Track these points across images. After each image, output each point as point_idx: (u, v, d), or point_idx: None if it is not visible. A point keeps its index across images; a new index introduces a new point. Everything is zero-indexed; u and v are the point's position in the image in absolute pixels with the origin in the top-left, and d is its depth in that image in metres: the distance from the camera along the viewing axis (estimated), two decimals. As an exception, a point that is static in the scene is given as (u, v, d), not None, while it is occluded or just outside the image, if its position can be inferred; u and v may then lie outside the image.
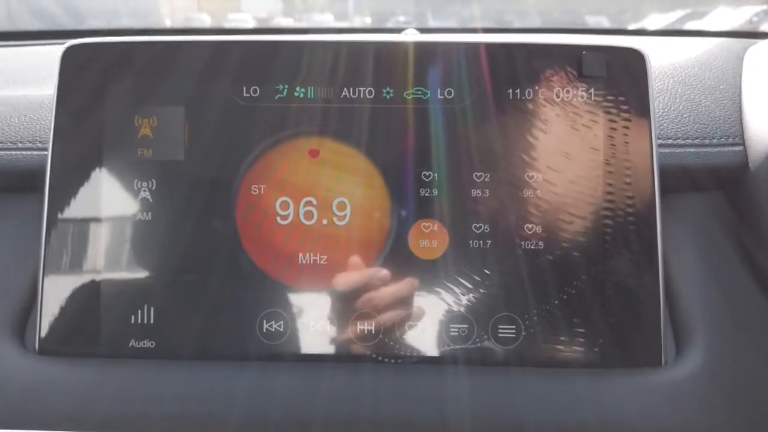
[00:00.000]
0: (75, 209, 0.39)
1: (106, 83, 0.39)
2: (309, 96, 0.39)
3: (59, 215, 0.39)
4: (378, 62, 0.39)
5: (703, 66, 0.49)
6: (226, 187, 0.39)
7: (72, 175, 0.39)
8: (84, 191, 0.39)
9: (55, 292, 0.39)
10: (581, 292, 0.38)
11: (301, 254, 0.39)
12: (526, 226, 0.38)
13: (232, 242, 0.39)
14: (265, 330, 0.38)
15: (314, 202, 0.39)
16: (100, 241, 0.39)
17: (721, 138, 0.43)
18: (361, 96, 0.39)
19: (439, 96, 0.39)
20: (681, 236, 0.41)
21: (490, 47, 0.39)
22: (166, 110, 0.39)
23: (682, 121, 0.44)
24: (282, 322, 0.39)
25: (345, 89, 0.39)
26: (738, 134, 0.43)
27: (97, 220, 0.39)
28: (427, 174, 0.39)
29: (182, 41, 0.40)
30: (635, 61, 0.39)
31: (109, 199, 0.39)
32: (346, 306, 0.39)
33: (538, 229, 0.38)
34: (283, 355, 0.38)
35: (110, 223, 0.39)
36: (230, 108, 0.39)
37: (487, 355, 0.38)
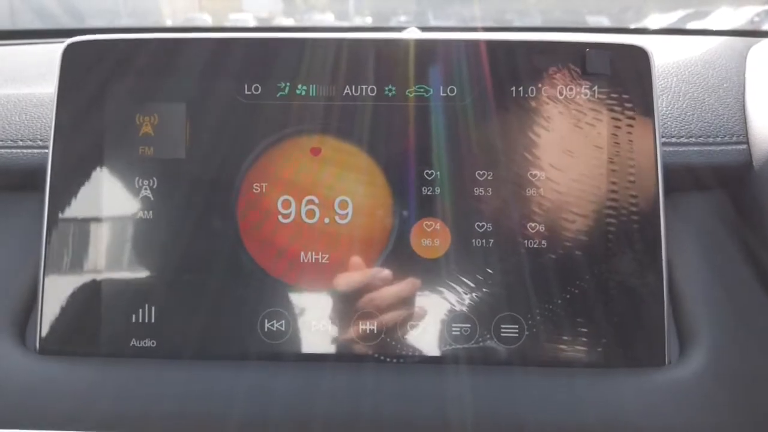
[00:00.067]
0: (76, 208, 0.39)
1: (107, 81, 0.39)
2: (311, 94, 0.39)
3: (60, 214, 0.39)
4: (380, 60, 0.39)
5: (707, 64, 0.49)
6: (227, 186, 0.39)
7: (73, 174, 0.39)
8: (85, 189, 0.39)
9: (56, 291, 0.39)
10: (584, 292, 0.38)
11: (302, 253, 0.39)
12: (528, 224, 0.38)
13: (233, 241, 0.39)
14: (266, 329, 0.38)
15: (316, 201, 0.39)
16: (100, 239, 0.39)
17: (725, 136, 0.43)
18: (363, 94, 0.39)
19: (441, 94, 0.39)
20: (684, 235, 0.41)
21: (493, 45, 0.39)
22: (167, 108, 0.39)
23: (686, 119, 0.43)
24: (283, 321, 0.38)
25: (347, 87, 0.39)
26: (742, 133, 0.43)
27: (97, 218, 0.39)
28: (430, 172, 0.38)
29: (183, 39, 0.40)
30: (639, 58, 0.39)
31: (110, 197, 0.39)
32: (348, 305, 0.38)
33: (541, 228, 0.38)
34: (285, 355, 0.38)
35: (111, 221, 0.39)
36: (232, 106, 0.39)
37: (490, 355, 0.38)
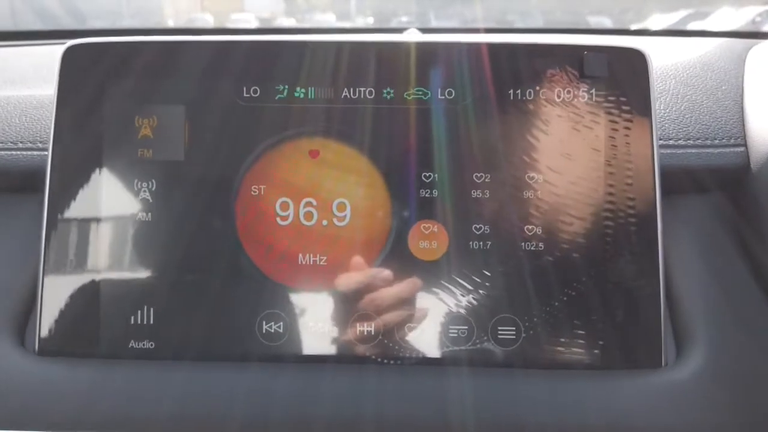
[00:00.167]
0: (75, 209, 0.39)
1: (106, 83, 0.39)
2: (309, 96, 0.39)
3: (59, 215, 0.39)
4: (378, 62, 0.39)
5: (705, 66, 0.49)
6: (226, 188, 0.39)
7: (72, 176, 0.39)
8: (84, 191, 0.39)
9: (55, 293, 0.39)
10: (582, 294, 0.38)
11: (300, 255, 0.39)
12: (526, 227, 0.38)
13: (231, 243, 0.39)
14: (264, 331, 0.38)
15: (314, 203, 0.39)
16: (99, 241, 0.39)
17: (723, 139, 0.43)
18: (362, 96, 0.39)
19: (439, 96, 0.39)
20: (682, 237, 0.41)
21: (491, 47, 0.39)
22: (166, 110, 0.39)
23: (684, 121, 0.43)
24: (282, 323, 0.38)
25: (345, 89, 0.39)
26: (740, 135, 0.43)
27: (97, 220, 0.39)
28: (428, 175, 0.39)
29: (182, 41, 0.40)
30: (637, 61, 0.39)
31: (109, 199, 0.39)
32: (346, 307, 0.39)
33: (539, 230, 0.38)
34: (283, 356, 0.38)
35: (110, 223, 0.39)
36: (230, 108, 0.39)
37: (487, 357, 0.38)
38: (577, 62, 0.39)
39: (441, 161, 0.39)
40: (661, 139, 0.42)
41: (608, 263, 0.38)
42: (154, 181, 0.39)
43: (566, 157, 0.38)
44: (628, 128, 0.38)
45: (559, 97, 0.39)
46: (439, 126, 0.39)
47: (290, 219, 0.39)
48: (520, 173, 0.38)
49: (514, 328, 0.38)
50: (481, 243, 0.38)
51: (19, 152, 0.44)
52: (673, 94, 0.45)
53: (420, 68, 0.39)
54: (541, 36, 0.41)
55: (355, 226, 0.39)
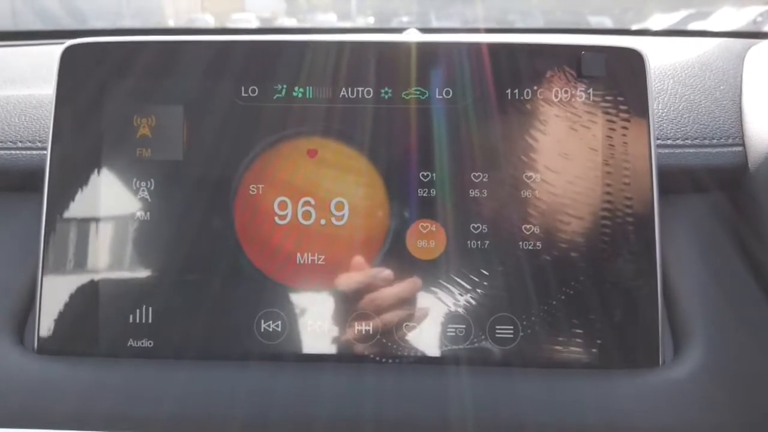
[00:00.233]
0: (74, 208, 0.39)
1: (104, 83, 0.39)
2: (307, 96, 0.39)
3: (58, 214, 0.39)
4: (376, 62, 0.39)
5: (704, 66, 0.49)
6: (224, 187, 0.39)
7: (71, 175, 0.39)
8: (83, 191, 0.39)
9: (54, 292, 0.39)
10: (579, 293, 0.38)
11: (299, 254, 0.39)
12: (524, 226, 0.38)
13: (230, 242, 0.39)
14: (262, 330, 0.38)
15: (312, 202, 0.39)
16: (98, 240, 0.39)
17: (721, 138, 0.43)
18: (360, 96, 0.39)
19: (437, 96, 0.39)
20: (680, 236, 0.41)
21: (489, 47, 0.39)
22: (164, 110, 0.39)
23: (682, 121, 0.44)
24: (280, 322, 0.39)
25: (343, 89, 0.39)
26: (738, 135, 0.43)
27: (95, 219, 0.39)
28: (426, 174, 0.39)
29: (181, 41, 0.40)
30: (634, 61, 0.39)
31: (107, 198, 0.39)
32: (344, 306, 0.39)
33: (537, 230, 0.38)
34: (281, 355, 0.38)
35: (109, 222, 0.39)
36: (229, 108, 0.39)
37: (485, 356, 0.38)
38: (574, 62, 0.39)
39: (439, 161, 0.39)
40: (659, 139, 0.42)
41: (606, 262, 0.38)
42: (152, 180, 0.39)
43: (564, 156, 0.38)
44: (625, 128, 0.38)
45: (557, 96, 0.39)
46: (437, 126, 0.39)
47: (288, 218, 0.39)
48: (518, 173, 0.39)
49: (511, 327, 0.38)
50: (479, 242, 0.38)
51: (18, 151, 0.44)
52: (672, 94, 0.45)
53: (418, 68, 0.39)
54: (539, 36, 0.41)
55: (353, 225, 0.39)
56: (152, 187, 0.39)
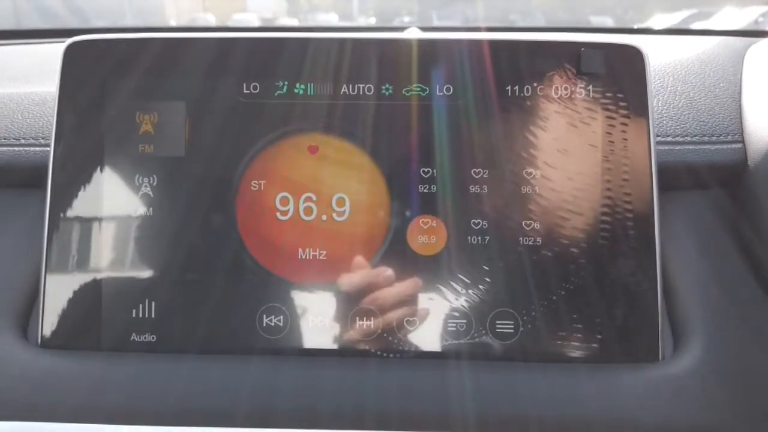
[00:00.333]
0: (77, 204, 0.39)
1: (107, 79, 0.40)
2: (309, 93, 0.39)
3: (61, 210, 0.39)
4: (377, 59, 0.39)
5: (704, 64, 0.49)
6: (226, 183, 0.39)
7: (74, 171, 0.40)
8: (86, 187, 0.40)
9: (57, 286, 0.39)
10: (579, 288, 0.38)
11: (300, 249, 0.39)
12: (524, 222, 0.39)
13: (232, 237, 0.39)
14: (265, 324, 0.39)
15: (314, 198, 0.39)
16: (101, 236, 0.39)
17: (721, 135, 0.43)
18: (361, 93, 0.39)
19: (438, 93, 0.39)
20: (681, 232, 0.42)
21: (489, 44, 0.39)
22: (167, 106, 0.40)
23: (682, 118, 0.44)
24: (282, 316, 0.39)
25: (344, 86, 0.39)
26: (738, 132, 0.43)
27: (98, 215, 0.39)
28: (426, 170, 0.39)
29: (183, 38, 0.40)
30: (633, 57, 0.39)
31: (110, 194, 0.40)
32: (345, 301, 0.39)
33: (537, 226, 0.38)
34: (283, 350, 0.39)
35: (111, 218, 0.40)
36: (230, 104, 0.39)
37: (486, 351, 0.38)
38: (574, 59, 0.39)
39: (440, 157, 0.39)
40: (659, 136, 0.43)
41: (606, 258, 0.38)
42: (155, 176, 0.39)
43: (564, 153, 0.39)
44: (625, 124, 0.39)
45: (556, 93, 0.39)
46: (437, 122, 0.39)
47: (290, 214, 0.39)
48: (518, 169, 0.39)
49: (512, 322, 0.38)
50: (480, 238, 0.39)
51: (21, 148, 0.44)
52: (672, 91, 0.46)
53: (419, 65, 0.39)
54: (539, 34, 0.41)
55: (354, 221, 0.39)
56: (154, 184, 0.39)
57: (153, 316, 0.39)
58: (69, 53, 0.40)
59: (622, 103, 0.39)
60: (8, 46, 0.68)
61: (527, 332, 0.38)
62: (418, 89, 0.39)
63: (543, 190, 0.39)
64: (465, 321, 0.38)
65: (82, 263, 0.39)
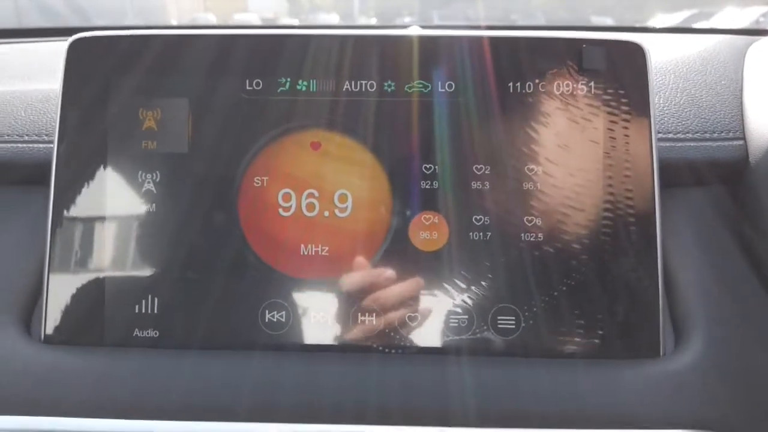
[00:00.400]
0: (80, 201, 0.40)
1: (111, 76, 0.40)
2: (311, 89, 0.40)
3: (64, 206, 0.39)
4: (379, 56, 0.39)
5: (705, 62, 0.49)
6: (229, 179, 0.39)
7: (77, 167, 0.40)
8: (89, 183, 0.40)
9: (60, 282, 0.39)
10: (581, 284, 0.38)
11: (302, 245, 0.39)
12: (526, 218, 0.39)
13: (234, 233, 0.39)
14: (267, 320, 0.39)
15: (316, 194, 0.39)
16: (104, 232, 0.40)
17: (722, 132, 0.43)
18: (363, 89, 0.39)
19: (440, 89, 0.39)
20: (682, 229, 0.42)
21: (491, 41, 0.39)
22: (170, 103, 0.40)
23: (683, 115, 0.44)
24: (284, 312, 0.39)
25: (347, 82, 0.39)
26: (739, 129, 0.43)
27: (101, 211, 0.40)
28: (428, 167, 0.39)
29: (186, 35, 0.40)
30: (635, 54, 0.39)
31: (113, 190, 0.40)
32: (348, 297, 0.39)
33: (538, 222, 0.39)
34: (286, 345, 0.39)
35: (114, 214, 0.40)
36: (233, 101, 0.40)
37: (488, 346, 0.38)
38: (576, 56, 0.39)
39: (441, 153, 0.39)
40: (660, 133, 0.43)
41: (607, 254, 0.38)
42: (158, 172, 0.40)
43: (565, 149, 0.39)
44: (626, 120, 0.39)
45: (558, 90, 0.39)
46: (439, 118, 0.39)
47: (292, 210, 0.39)
48: (519, 165, 0.39)
49: (513, 318, 0.38)
50: (481, 234, 0.39)
51: (25, 145, 0.44)
52: (673, 89, 0.46)
53: (421, 61, 0.39)
54: (541, 32, 0.41)
55: (356, 217, 0.39)
56: (157, 180, 0.40)
57: (156, 311, 0.39)
58: (73, 49, 0.40)
59: (623, 100, 0.39)
60: (10, 44, 0.68)
61: (529, 328, 0.38)
62: (420, 86, 0.39)
63: (544, 186, 0.39)
64: (467, 317, 0.39)
65: (85, 259, 0.39)
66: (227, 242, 0.39)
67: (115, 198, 0.40)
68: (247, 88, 0.40)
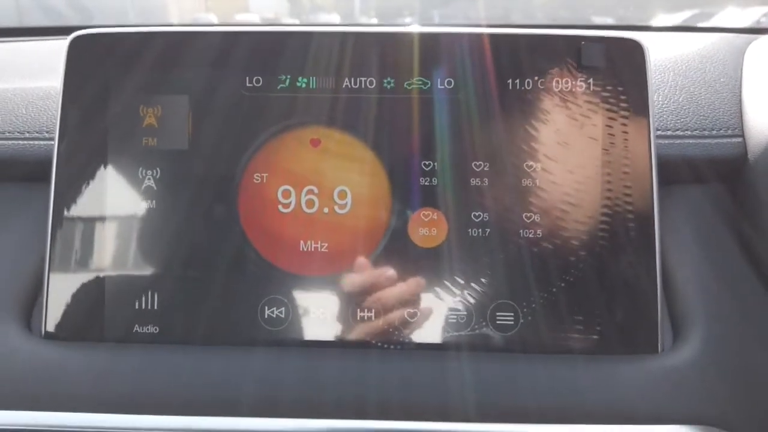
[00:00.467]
0: (80, 197, 0.40)
1: (111, 73, 0.40)
2: (311, 86, 0.40)
3: (65, 202, 0.40)
4: (379, 53, 0.40)
5: (704, 60, 0.49)
6: (229, 176, 0.39)
7: (78, 163, 0.40)
8: (89, 180, 0.40)
9: (61, 278, 0.39)
10: (579, 280, 0.38)
11: (302, 242, 0.39)
12: (524, 214, 0.39)
13: (234, 230, 0.39)
14: (266, 316, 0.39)
15: (315, 191, 0.39)
16: (104, 228, 0.40)
17: (721, 130, 0.43)
18: (363, 86, 0.39)
19: (439, 86, 0.39)
20: (680, 226, 0.42)
21: (490, 38, 0.39)
22: (170, 100, 0.40)
23: (682, 113, 0.44)
24: (283, 308, 0.39)
25: (346, 79, 0.40)
26: (738, 126, 0.43)
27: (101, 207, 0.40)
28: (427, 163, 0.39)
29: (186, 32, 0.41)
30: (634, 51, 0.39)
31: (113, 187, 0.40)
32: (347, 293, 0.39)
33: (537, 218, 0.39)
34: (285, 341, 0.39)
35: (115, 210, 0.40)
36: (234, 98, 0.40)
37: (486, 342, 0.38)
38: (574, 53, 0.39)
39: (441, 150, 0.39)
40: (659, 130, 0.43)
41: (605, 250, 0.38)
42: (158, 169, 0.40)
43: (564, 146, 0.39)
44: (625, 117, 0.39)
45: (557, 87, 0.39)
46: (439, 115, 0.39)
47: (292, 206, 0.39)
48: (518, 162, 0.39)
49: (512, 314, 0.38)
50: (480, 230, 0.39)
51: (26, 142, 0.44)
52: (672, 86, 0.46)
53: (420, 58, 0.39)
54: (540, 29, 0.41)
55: (355, 213, 0.39)
56: (158, 176, 0.40)
57: (156, 307, 0.39)
58: (73, 46, 0.40)
59: (622, 97, 0.39)
60: (11, 43, 0.68)
61: (527, 324, 0.38)
62: (420, 83, 0.39)
63: (543, 182, 0.39)
64: (465, 313, 0.39)
65: (86, 255, 0.40)
66: (227, 238, 0.39)
67: (115, 195, 0.40)
68: (248, 84, 0.40)
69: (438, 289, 0.39)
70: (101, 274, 0.39)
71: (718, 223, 0.42)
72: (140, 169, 0.40)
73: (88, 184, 0.40)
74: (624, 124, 0.39)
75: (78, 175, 0.40)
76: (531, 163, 0.39)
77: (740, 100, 0.45)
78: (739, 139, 0.43)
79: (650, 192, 0.38)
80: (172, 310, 0.39)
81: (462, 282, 0.39)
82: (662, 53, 0.50)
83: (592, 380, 0.37)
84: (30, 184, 0.44)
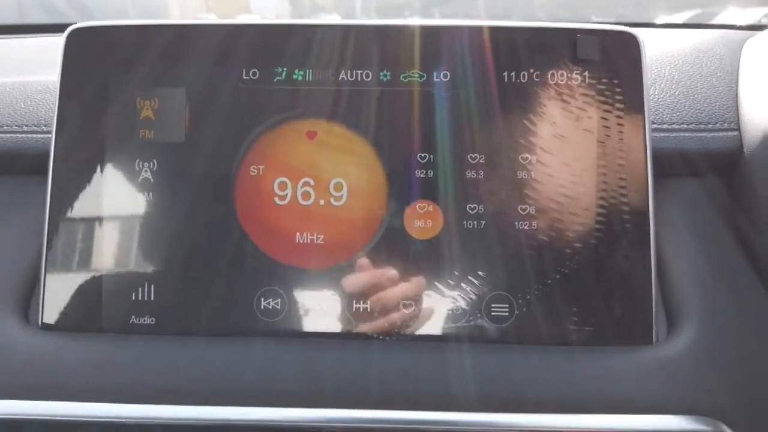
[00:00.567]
0: (77, 189, 0.40)
1: (108, 66, 0.40)
2: (307, 79, 0.40)
3: (62, 195, 0.40)
4: (375, 46, 0.40)
5: (701, 54, 0.49)
6: (225, 168, 0.40)
7: (75, 156, 0.40)
8: (86, 172, 0.40)
9: (58, 269, 0.40)
10: (574, 272, 0.38)
11: (298, 234, 0.39)
12: (519, 207, 0.39)
13: (230, 221, 0.39)
14: (262, 307, 0.39)
15: (311, 183, 0.40)
16: (101, 220, 0.40)
17: (717, 123, 0.43)
18: (359, 79, 0.40)
19: (435, 79, 0.39)
20: (675, 218, 0.42)
21: (486, 31, 0.40)
22: (167, 92, 0.40)
23: (678, 106, 0.44)
24: (279, 299, 0.39)
25: (343, 72, 0.40)
26: (734, 120, 0.43)
27: (98, 199, 0.40)
28: (423, 155, 0.39)
29: (183, 25, 0.41)
30: (629, 44, 0.39)
31: (110, 178, 0.40)
32: (342, 285, 0.39)
33: (532, 210, 0.39)
34: (281, 332, 0.39)
35: (112, 203, 0.40)
36: (230, 90, 0.40)
37: (482, 333, 0.39)
38: (570, 46, 0.39)
39: (436, 142, 0.39)
40: (655, 123, 0.43)
41: (600, 242, 0.39)
42: (155, 161, 0.40)
43: (560, 138, 0.39)
44: (621, 110, 0.39)
45: (552, 79, 0.39)
46: (435, 108, 0.39)
47: (288, 198, 0.40)
48: (514, 154, 0.39)
49: (507, 306, 0.39)
50: (476, 222, 0.39)
51: (24, 135, 0.45)
52: (668, 80, 0.46)
53: (416, 51, 0.40)
54: (536, 23, 0.42)
55: (351, 205, 0.39)
56: (155, 169, 0.40)
57: (152, 299, 0.39)
58: (71, 39, 0.41)
59: (617, 90, 0.39)
60: (11, 39, 0.69)
61: (522, 315, 0.38)
62: (416, 75, 0.40)
63: (539, 175, 0.39)
64: (461, 304, 0.39)
65: (83, 247, 0.40)
66: (223, 230, 0.39)
67: (112, 187, 0.40)
68: (244, 77, 0.40)
69: (433, 281, 0.39)
70: (98, 266, 0.40)
71: (714, 216, 0.42)
72: (137, 161, 0.40)
73: (85, 176, 0.40)
74: (619, 117, 0.39)
75: (75, 167, 0.40)
76: (526, 155, 0.39)
77: (737, 95, 0.45)
78: (735, 133, 0.43)
79: (645, 184, 0.39)
80: (168, 302, 0.39)
81: (457, 274, 0.39)
82: (659, 48, 0.50)
83: (587, 371, 0.37)
84: (28, 177, 0.44)
